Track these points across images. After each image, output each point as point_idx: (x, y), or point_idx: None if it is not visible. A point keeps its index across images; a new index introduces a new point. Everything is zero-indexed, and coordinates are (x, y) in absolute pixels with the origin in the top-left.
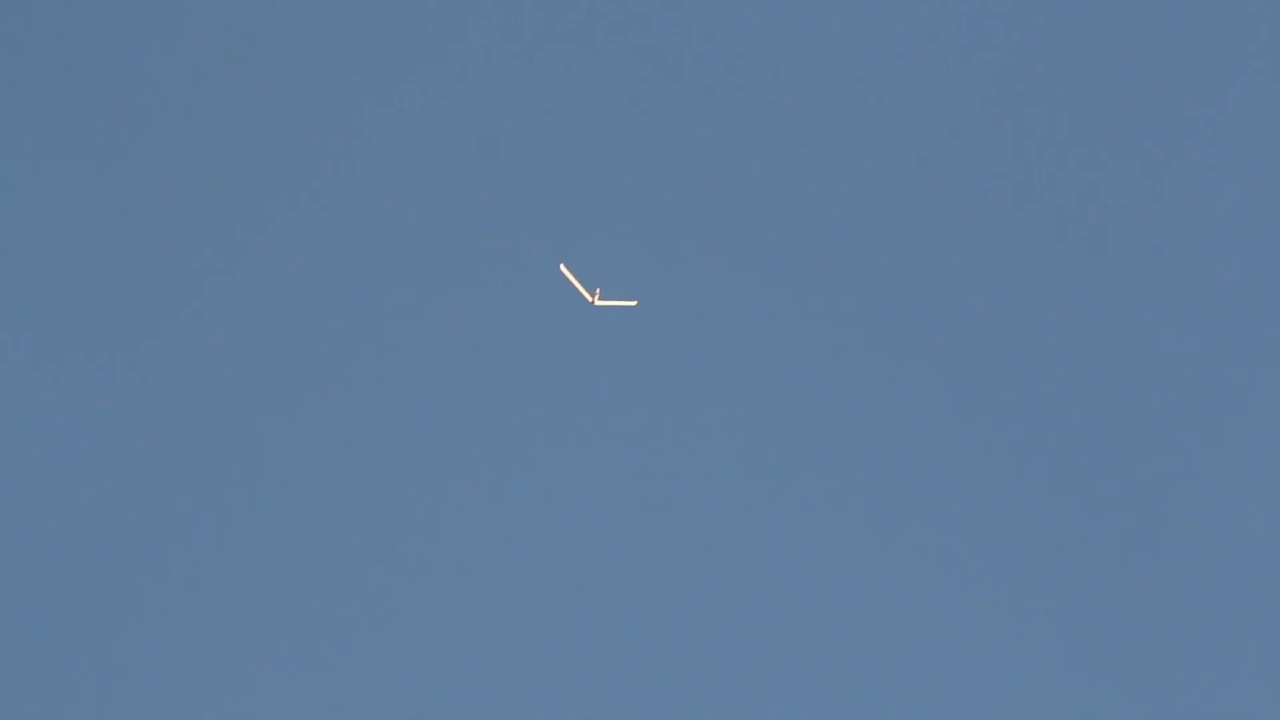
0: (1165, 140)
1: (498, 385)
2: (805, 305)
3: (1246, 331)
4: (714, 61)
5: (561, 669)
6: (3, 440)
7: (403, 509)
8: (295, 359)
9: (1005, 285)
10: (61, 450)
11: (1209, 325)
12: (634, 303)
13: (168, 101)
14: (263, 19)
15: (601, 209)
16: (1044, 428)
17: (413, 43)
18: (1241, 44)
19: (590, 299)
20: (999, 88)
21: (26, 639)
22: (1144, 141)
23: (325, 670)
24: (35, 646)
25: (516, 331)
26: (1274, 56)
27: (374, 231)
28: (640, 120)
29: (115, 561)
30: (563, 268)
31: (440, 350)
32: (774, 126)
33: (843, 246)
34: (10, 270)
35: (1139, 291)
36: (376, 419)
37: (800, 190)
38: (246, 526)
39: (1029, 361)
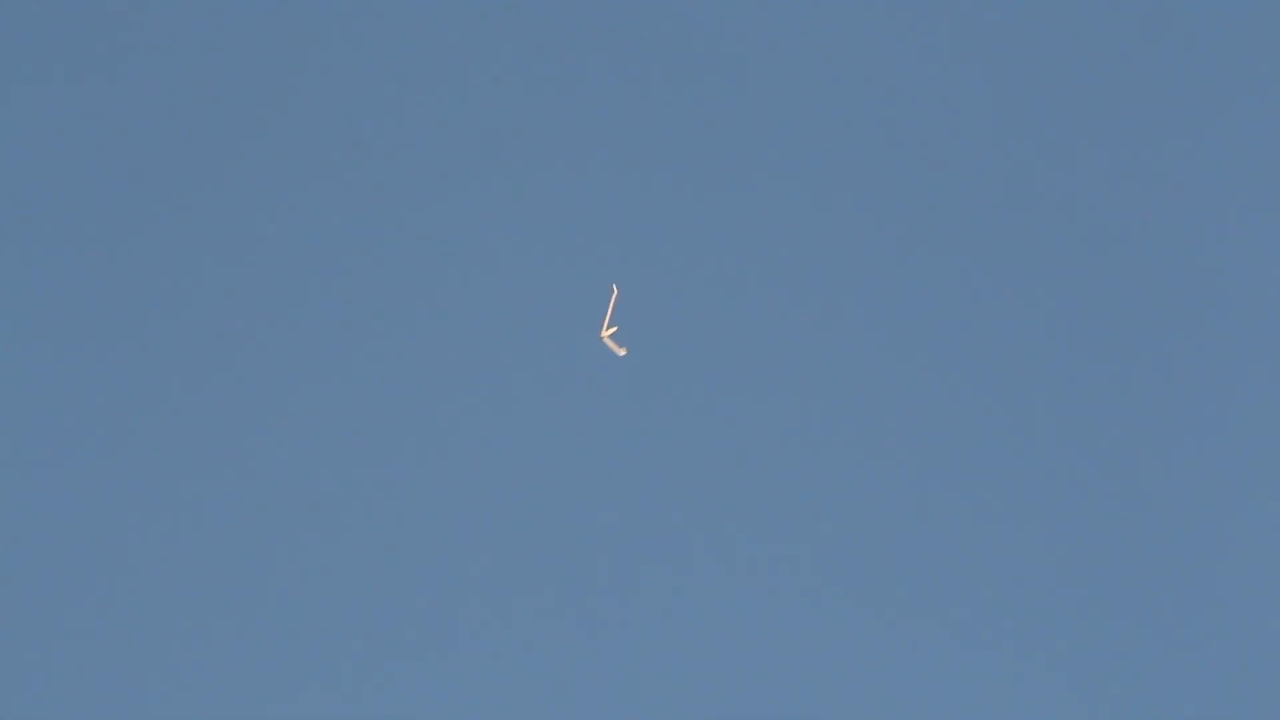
0: (1170, 139)
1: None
2: (802, 307)
3: (1247, 330)
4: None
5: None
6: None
7: (399, 507)
8: (295, 359)
9: (1004, 285)
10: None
11: (1210, 323)
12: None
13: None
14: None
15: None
16: (1043, 428)
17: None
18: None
19: (608, 339)
20: (996, 94)
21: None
22: (1148, 140)
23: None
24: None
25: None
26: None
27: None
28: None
29: (109, 555)
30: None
31: (438, 348)
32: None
33: (842, 249)
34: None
35: (1138, 290)
36: (368, 417)
37: (796, 188)
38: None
39: (1027, 363)
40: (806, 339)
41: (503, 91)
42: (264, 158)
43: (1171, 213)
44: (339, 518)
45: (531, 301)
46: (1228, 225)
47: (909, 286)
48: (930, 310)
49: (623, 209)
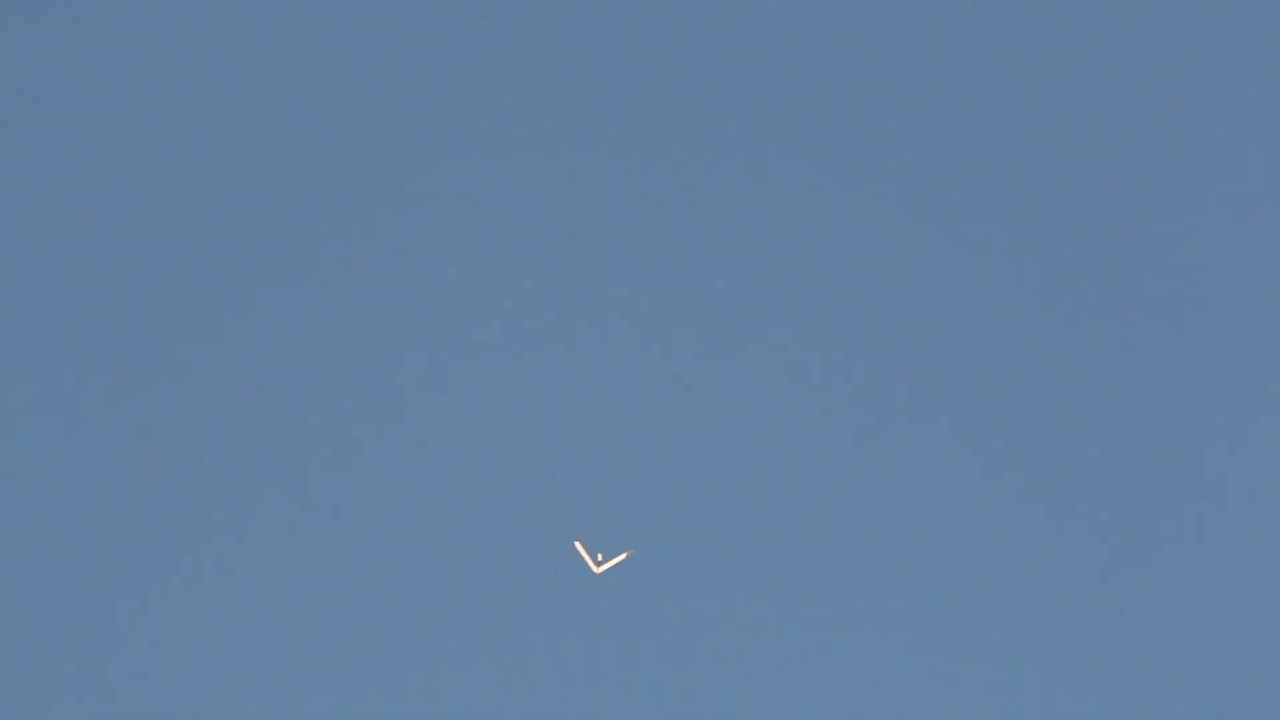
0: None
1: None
2: (798, 314)
3: (1248, 332)
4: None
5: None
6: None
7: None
8: (306, 371)
9: (1003, 286)
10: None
11: (1212, 324)
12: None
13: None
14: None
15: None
16: (1041, 434)
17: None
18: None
19: (594, 564)
20: (994, 98)
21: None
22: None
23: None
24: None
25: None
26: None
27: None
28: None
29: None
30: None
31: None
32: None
33: (837, 258)
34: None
35: (1138, 292)
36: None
37: (797, 194)
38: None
39: (1026, 365)
40: (797, 354)
41: (502, 92)
42: (265, 163)
43: (1171, 211)
44: (340, 518)
45: (525, 295)
46: (1228, 225)
47: (905, 300)
48: (921, 326)
49: (623, 206)
